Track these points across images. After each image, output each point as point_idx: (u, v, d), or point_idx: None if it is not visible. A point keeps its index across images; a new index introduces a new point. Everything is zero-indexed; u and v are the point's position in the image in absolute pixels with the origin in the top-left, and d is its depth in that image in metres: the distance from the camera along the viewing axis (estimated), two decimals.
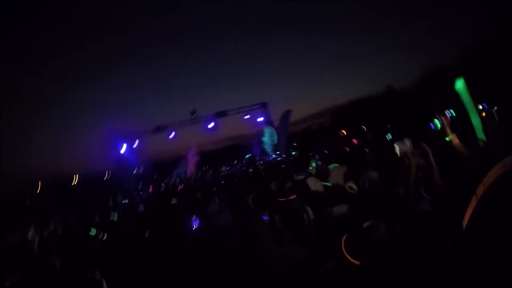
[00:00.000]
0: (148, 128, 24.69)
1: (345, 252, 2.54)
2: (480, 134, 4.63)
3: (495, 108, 11.19)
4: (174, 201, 9.24)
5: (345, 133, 26.26)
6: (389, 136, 13.62)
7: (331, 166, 5.99)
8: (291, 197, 4.13)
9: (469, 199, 2.23)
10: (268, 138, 25.47)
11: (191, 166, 21.91)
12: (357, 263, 2.46)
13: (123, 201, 15.48)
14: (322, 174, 5.65)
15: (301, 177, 5.82)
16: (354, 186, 4.54)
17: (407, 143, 4.02)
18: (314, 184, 5.12)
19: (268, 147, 25.63)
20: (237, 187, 9.72)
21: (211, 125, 24.12)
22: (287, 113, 24.95)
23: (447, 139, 4.28)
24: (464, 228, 2.24)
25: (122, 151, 22.40)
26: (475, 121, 4.73)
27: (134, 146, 23.07)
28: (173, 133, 23.93)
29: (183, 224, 5.50)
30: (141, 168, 26.14)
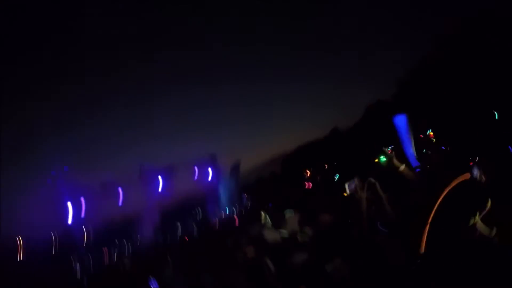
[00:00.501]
0: (93, 185, 23.34)
1: None
2: (415, 164, 4.86)
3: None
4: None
5: (295, 178, 26.55)
6: (336, 176, 13.96)
7: (287, 213, 5.95)
8: (248, 252, 4.07)
9: (422, 225, 2.36)
10: (222, 192, 25.21)
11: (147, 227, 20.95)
12: None
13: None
14: (278, 223, 5.61)
15: (257, 229, 5.79)
16: (309, 231, 4.55)
17: (355, 180, 4.07)
18: (271, 235, 5.12)
19: (222, 202, 25.32)
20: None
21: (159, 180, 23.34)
22: (236, 165, 25.01)
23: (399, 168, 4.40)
24: (422, 252, 2.35)
25: (69, 220, 21.03)
26: (410, 152, 4.97)
27: (82, 214, 21.73)
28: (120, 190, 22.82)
29: None
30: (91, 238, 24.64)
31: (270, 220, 6.07)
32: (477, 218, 2.53)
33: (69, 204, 20.43)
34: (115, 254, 19.41)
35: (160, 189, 22.97)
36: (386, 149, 4.72)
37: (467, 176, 2.87)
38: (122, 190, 22.36)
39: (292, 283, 3.35)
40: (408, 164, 4.56)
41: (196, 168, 24.73)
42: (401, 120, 5.14)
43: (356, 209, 3.64)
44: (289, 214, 5.82)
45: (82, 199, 21.36)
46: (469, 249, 2.41)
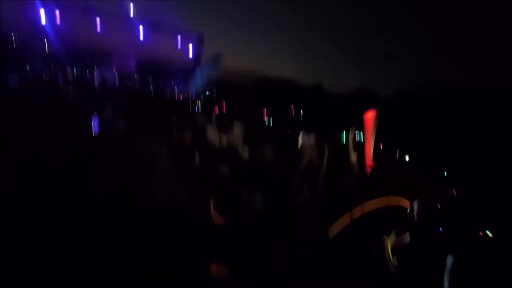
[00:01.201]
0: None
1: (213, 209, 2.56)
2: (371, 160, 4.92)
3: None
4: None
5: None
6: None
7: (236, 124, 5.89)
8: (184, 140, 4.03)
9: (341, 213, 2.36)
10: (196, 76, 24.71)
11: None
12: (221, 222, 2.48)
13: None
14: (223, 127, 5.62)
15: (203, 124, 5.79)
16: (245, 152, 4.60)
17: (312, 138, 4.06)
18: (213, 134, 5.15)
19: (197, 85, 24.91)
20: None
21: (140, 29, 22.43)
22: (216, 56, 24.28)
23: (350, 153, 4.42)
24: (331, 235, 2.37)
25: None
26: (369, 147, 5.01)
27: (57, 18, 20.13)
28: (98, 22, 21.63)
29: None
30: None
31: (215, 122, 6.00)
32: (390, 239, 2.61)
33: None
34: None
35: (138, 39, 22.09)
36: (352, 131, 4.71)
37: (406, 204, 2.95)
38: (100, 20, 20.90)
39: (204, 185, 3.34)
40: (360, 157, 4.61)
41: (179, 37, 23.84)
42: (371, 115, 5.13)
43: (296, 161, 3.65)
44: (238, 126, 5.82)
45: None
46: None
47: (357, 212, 2.47)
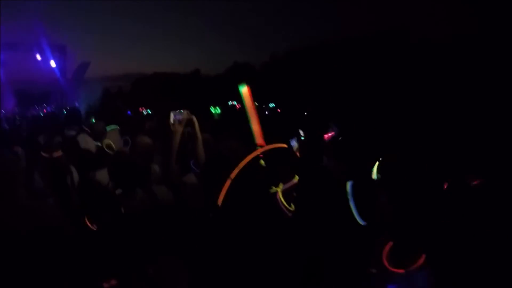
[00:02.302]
0: None
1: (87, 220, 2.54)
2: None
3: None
4: None
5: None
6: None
7: (109, 127, 5.72)
8: (56, 154, 3.81)
9: (225, 178, 2.39)
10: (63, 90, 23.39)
11: None
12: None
13: None
14: (97, 133, 5.43)
15: (73, 132, 5.55)
16: (113, 145, 4.57)
17: (184, 113, 4.08)
18: (86, 143, 4.97)
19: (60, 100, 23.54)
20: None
21: None
22: (83, 65, 23.17)
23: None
24: (219, 204, 2.39)
25: None
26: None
27: None
28: None
29: None
30: None
31: (91, 128, 5.81)
32: (279, 188, 2.52)
33: None
34: None
35: None
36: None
37: (283, 145, 3.00)
38: None
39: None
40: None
41: (40, 54, 22.33)
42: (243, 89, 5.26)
43: (168, 141, 3.64)
44: (112, 128, 5.74)
45: None
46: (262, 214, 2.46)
47: (234, 172, 2.48)
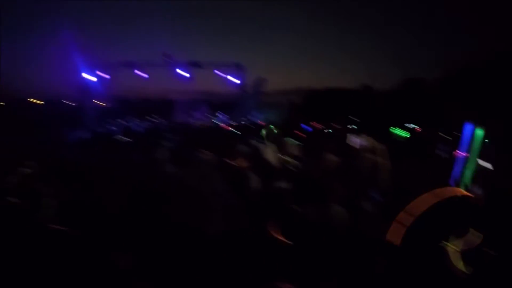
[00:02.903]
0: (115, 61, 23.48)
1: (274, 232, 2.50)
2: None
3: None
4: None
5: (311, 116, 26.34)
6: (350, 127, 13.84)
7: (289, 140, 5.87)
8: (241, 163, 4.03)
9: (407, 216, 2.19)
10: (241, 103, 25.34)
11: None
12: (288, 243, 2.39)
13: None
14: (279, 145, 5.48)
15: (254, 142, 5.62)
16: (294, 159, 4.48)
17: (365, 138, 3.99)
18: (267, 153, 5.06)
19: (239, 111, 25.49)
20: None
21: (183, 72, 23.58)
22: (259, 81, 24.67)
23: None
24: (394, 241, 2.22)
25: (93, 79, 21.51)
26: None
27: (107, 77, 22.02)
28: (143, 74, 23.12)
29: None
30: (107, 103, 25.20)
31: (272, 140, 5.96)
32: (453, 244, 2.23)
33: (85, 74, 20.75)
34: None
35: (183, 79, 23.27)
36: (409, 127, 4.51)
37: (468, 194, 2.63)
38: (144, 72, 22.55)
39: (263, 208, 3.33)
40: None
41: (221, 72, 24.71)
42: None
43: (357, 166, 3.57)
44: (292, 142, 5.78)
45: (101, 73, 21.60)
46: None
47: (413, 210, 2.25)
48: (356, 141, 3.76)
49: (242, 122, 21.05)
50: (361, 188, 3.54)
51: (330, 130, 15.14)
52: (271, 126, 8.28)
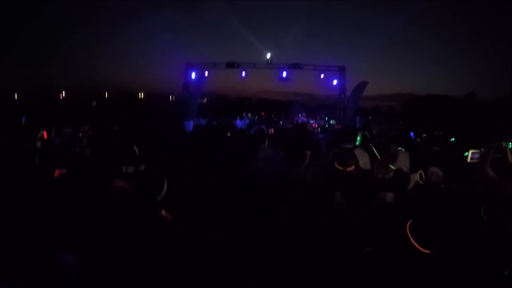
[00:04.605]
0: (219, 62, 24.64)
1: (411, 238, 2.37)
2: None
3: None
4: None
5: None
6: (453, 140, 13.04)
7: (397, 149, 5.55)
8: (349, 168, 3.95)
9: None
10: (343, 105, 25.19)
11: None
12: (427, 252, 2.29)
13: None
14: (390, 155, 5.19)
15: (350, 146, 5.61)
16: (423, 177, 4.20)
17: (479, 152, 3.76)
18: (362, 157, 4.95)
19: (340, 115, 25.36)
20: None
21: (284, 74, 24.01)
22: (362, 85, 24.17)
23: None
24: None
25: (193, 76, 22.87)
26: None
27: (206, 75, 23.29)
28: (244, 72, 24.00)
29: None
30: (205, 99, 26.60)
31: (376, 149, 5.76)
32: None
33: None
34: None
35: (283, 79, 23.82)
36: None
37: None
38: (247, 70, 23.54)
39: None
40: None
41: (322, 74, 24.76)
42: None
43: (471, 181, 3.38)
44: (400, 151, 5.48)
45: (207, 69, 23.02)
46: None
47: None
48: (474, 156, 3.57)
49: (340, 126, 20.76)
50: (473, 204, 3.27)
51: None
52: (366, 132, 8.08)
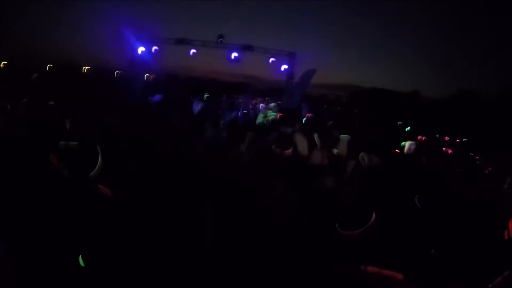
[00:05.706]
0: (168, 37, 23.99)
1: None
2: None
3: None
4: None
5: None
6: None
7: (342, 137, 5.67)
8: (287, 151, 3.97)
9: None
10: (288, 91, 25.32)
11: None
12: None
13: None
14: (333, 141, 5.37)
15: (289, 130, 5.69)
16: (366, 159, 4.27)
17: (417, 144, 3.91)
18: (301, 142, 4.87)
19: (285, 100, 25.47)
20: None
21: (234, 54, 23.75)
22: (310, 72, 24.37)
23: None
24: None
25: (139, 51, 22.06)
26: None
27: (152, 50, 22.60)
28: (194, 51, 23.49)
29: None
30: (151, 77, 25.80)
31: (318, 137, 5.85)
32: None
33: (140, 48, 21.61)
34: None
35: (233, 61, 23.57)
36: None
37: None
38: (196, 49, 23.06)
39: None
40: None
41: (272, 58, 24.77)
42: None
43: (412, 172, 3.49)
44: (344, 138, 5.55)
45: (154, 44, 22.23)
46: None
47: None
48: (410, 147, 3.70)
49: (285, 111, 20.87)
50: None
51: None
52: (308, 118, 8.19)
